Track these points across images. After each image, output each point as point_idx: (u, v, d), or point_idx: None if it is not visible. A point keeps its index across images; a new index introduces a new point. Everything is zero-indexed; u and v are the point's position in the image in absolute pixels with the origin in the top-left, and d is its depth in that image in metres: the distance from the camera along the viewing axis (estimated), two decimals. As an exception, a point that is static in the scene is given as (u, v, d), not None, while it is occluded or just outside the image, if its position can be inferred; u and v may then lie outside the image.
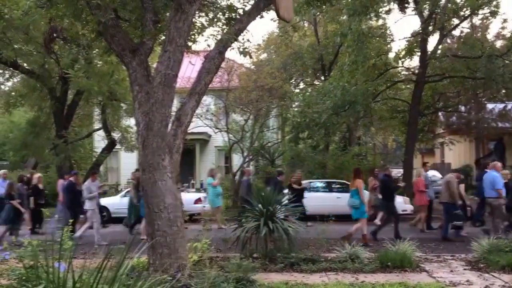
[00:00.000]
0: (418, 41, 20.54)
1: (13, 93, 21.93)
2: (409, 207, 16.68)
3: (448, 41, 23.20)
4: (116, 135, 22.40)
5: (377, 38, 21.43)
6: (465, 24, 22.60)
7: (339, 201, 16.33)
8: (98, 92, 17.04)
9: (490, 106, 25.77)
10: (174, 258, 6.88)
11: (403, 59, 21.93)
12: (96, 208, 12.96)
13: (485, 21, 23.97)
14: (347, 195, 16.86)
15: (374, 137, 37.66)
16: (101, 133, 23.28)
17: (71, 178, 14.21)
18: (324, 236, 10.29)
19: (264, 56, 32.44)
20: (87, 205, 12.92)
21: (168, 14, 8.19)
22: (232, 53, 42.87)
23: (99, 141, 25.00)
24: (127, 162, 26.09)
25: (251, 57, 9.70)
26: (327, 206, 16.01)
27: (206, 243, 8.98)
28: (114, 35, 7.61)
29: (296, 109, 25.20)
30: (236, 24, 8.32)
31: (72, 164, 21.50)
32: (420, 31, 20.10)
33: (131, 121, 19.99)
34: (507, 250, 8.98)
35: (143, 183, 7.35)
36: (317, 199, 16.53)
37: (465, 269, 8.59)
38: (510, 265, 8.34)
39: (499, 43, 23.14)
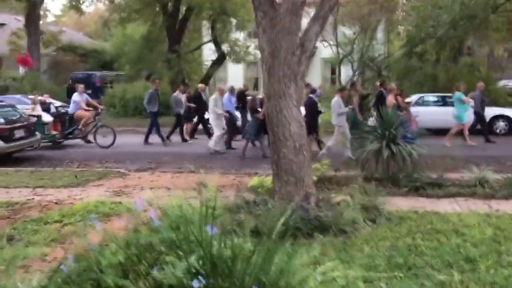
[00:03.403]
0: None
1: (126, 9, 22.58)
2: None
3: None
4: (224, 48, 22.64)
5: None
6: None
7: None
8: (210, 8, 17.11)
9: None
10: (300, 186, 6.99)
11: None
12: (345, 124, 12.52)
13: None
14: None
15: (483, 46, 34.86)
16: (210, 45, 23.64)
17: (311, 95, 13.22)
18: (444, 154, 9.70)
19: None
20: (337, 120, 12.49)
21: None
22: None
23: (209, 54, 25.45)
24: (234, 73, 26.59)
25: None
26: (440, 121, 15.45)
27: (326, 164, 9.04)
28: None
29: (408, 23, 23.87)
30: None
31: (184, 77, 22.22)
32: None
33: (240, 35, 20.05)
34: None
35: (268, 110, 7.40)
36: (430, 114, 15.80)
37: None
38: None
39: None
